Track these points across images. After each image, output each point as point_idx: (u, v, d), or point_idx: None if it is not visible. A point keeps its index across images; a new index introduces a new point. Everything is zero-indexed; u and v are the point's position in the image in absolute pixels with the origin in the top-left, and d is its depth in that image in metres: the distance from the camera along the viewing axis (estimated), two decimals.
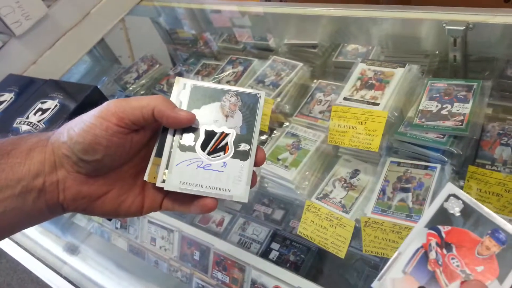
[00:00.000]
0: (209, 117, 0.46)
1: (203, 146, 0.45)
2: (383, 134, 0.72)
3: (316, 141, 0.85)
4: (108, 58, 1.46)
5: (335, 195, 0.77)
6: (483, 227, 0.40)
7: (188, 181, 0.44)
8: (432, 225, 0.41)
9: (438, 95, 0.75)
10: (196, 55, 1.29)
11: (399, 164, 0.73)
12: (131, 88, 1.22)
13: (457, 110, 0.71)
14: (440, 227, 0.41)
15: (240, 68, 1.05)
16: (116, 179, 0.44)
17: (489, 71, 0.82)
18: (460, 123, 0.69)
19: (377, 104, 0.75)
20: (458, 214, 0.41)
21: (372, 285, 0.40)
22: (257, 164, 0.45)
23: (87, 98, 0.71)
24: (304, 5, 0.96)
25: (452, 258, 0.39)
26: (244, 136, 0.46)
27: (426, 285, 0.39)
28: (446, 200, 0.42)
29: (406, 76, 0.79)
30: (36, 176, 0.41)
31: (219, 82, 1.04)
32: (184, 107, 0.46)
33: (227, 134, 0.46)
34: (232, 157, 0.45)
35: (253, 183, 0.45)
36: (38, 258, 0.94)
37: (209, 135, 0.45)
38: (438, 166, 0.70)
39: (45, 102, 0.73)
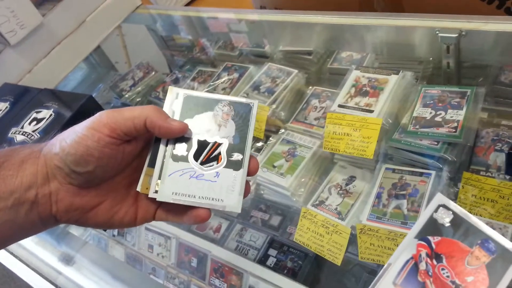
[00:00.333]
0: (202, 127, 0.46)
1: (196, 156, 0.45)
2: (378, 141, 0.73)
3: (312, 148, 0.85)
4: (104, 65, 1.46)
5: (331, 202, 0.77)
6: (473, 237, 0.40)
7: (181, 192, 0.44)
8: (422, 235, 0.41)
9: (432, 101, 0.76)
10: (192, 62, 1.29)
11: (394, 170, 0.73)
12: (127, 96, 1.22)
13: (451, 116, 0.71)
14: (430, 237, 0.41)
15: (236, 75, 1.05)
16: (109, 190, 0.44)
17: (482, 77, 0.83)
18: (454, 130, 0.69)
19: (372, 111, 0.75)
20: (448, 224, 0.41)
21: None
22: (250, 173, 0.45)
23: (82, 107, 0.72)
24: (299, 12, 0.96)
25: (442, 269, 0.39)
26: (237, 146, 0.46)
27: None
28: (436, 210, 0.42)
29: (400, 83, 0.79)
30: (29, 188, 0.40)
31: (214, 89, 1.04)
32: (177, 116, 0.46)
33: (220, 144, 0.46)
34: (225, 167, 0.45)
35: (246, 193, 0.45)
36: (33, 269, 0.93)
37: (202, 145, 0.45)
38: (433, 172, 0.70)
39: (40, 111, 0.73)
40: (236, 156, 0.45)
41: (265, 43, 1.14)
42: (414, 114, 0.75)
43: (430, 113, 0.74)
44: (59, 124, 0.69)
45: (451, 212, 0.41)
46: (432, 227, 0.41)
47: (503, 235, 0.54)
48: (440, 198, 0.42)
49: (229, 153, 0.45)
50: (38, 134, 0.70)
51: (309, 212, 0.76)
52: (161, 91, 1.21)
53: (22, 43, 0.97)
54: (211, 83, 1.07)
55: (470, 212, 0.42)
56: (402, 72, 0.80)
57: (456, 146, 0.70)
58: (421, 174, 0.71)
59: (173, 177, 0.44)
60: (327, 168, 0.85)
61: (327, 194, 0.78)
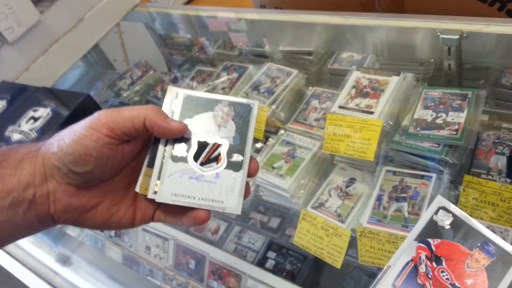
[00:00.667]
0: (201, 127, 0.45)
1: (196, 157, 0.44)
2: (378, 143, 0.72)
3: (312, 149, 0.84)
4: (102, 63, 1.45)
5: (331, 204, 0.76)
6: (473, 239, 0.40)
7: (180, 193, 0.43)
8: (422, 238, 0.41)
9: (433, 103, 0.75)
10: (191, 61, 1.28)
11: (394, 173, 0.73)
12: (125, 95, 1.21)
13: (452, 119, 0.71)
14: (430, 240, 0.41)
15: (235, 74, 1.05)
16: (107, 190, 0.43)
17: (483, 79, 0.82)
18: (455, 132, 0.69)
19: (372, 113, 0.74)
20: (447, 227, 0.41)
21: None
22: (250, 175, 0.45)
23: (80, 106, 0.71)
24: (300, 12, 0.96)
25: (442, 271, 0.39)
26: (237, 147, 0.45)
27: None
28: (436, 213, 0.41)
29: (401, 84, 0.79)
30: (27, 188, 0.40)
31: (213, 89, 1.04)
32: (177, 116, 0.45)
33: (219, 145, 0.45)
34: (225, 168, 0.44)
35: (246, 195, 0.45)
36: (29, 269, 0.92)
37: (202, 145, 0.45)
38: (434, 175, 0.69)
39: (37, 110, 0.72)
40: (236, 157, 0.45)
41: (265, 42, 1.13)
42: (415, 116, 0.75)
43: (431, 115, 0.73)
44: (57, 123, 0.69)
45: (451, 215, 0.41)
46: (432, 229, 0.41)
47: (504, 238, 0.54)
48: (440, 200, 0.42)
49: (229, 154, 0.45)
50: (35, 133, 0.69)
51: (308, 214, 0.75)
52: (160, 90, 1.20)
53: (19, 41, 0.96)
54: (210, 83, 1.06)
55: (471, 216, 0.42)
56: (403, 73, 0.79)
57: (457, 149, 0.70)
58: (422, 176, 0.70)
59: (173, 178, 0.43)
60: (327, 169, 0.84)
61: (327, 196, 0.78)
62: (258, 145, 0.93)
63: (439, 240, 0.40)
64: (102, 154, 0.40)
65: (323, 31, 0.94)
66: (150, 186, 0.43)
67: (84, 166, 0.40)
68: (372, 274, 0.79)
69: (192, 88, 1.12)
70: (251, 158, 0.45)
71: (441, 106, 0.74)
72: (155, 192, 0.43)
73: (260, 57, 1.13)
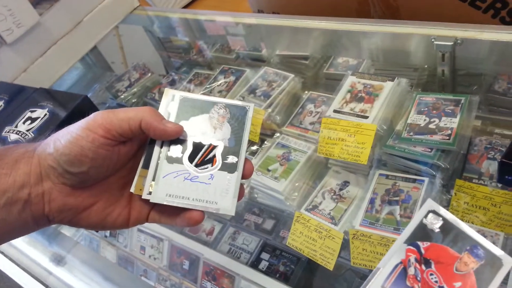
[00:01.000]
0: (197, 129, 0.46)
1: (191, 158, 0.45)
2: (372, 147, 0.73)
3: (306, 152, 0.85)
4: (100, 65, 1.46)
5: (324, 207, 0.77)
6: (462, 243, 0.40)
7: (175, 193, 0.44)
8: (412, 241, 0.41)
9: (426, 109, 0.76)
10: (189, 64, 1.29)
11: (387, 176, 0.74)
12: (122, 97, 1.22)
13: (445, 124, 0.72)
14: (419, 243, 0.41)
15: (232, 78, 1.05)
16: (103, 191, 0.44)
17: (477, 85, 0.84)
18: (447, 137, 0.70)
19: (366, 117, 0.75)
20: (437, 230, 0.41)
21: None
22: (244, 176, 0.45)
23: (77, 108, 0.71)
24: (297, 17, 0.97)
25: (431, 274, 0.39)
26: (232, 149, 0.46)
27: None
28: (426, 216, 0.42)
29: (395, 89, 0.80)
30: (22, 188, 0.40)
31: (210, 91, 1.05)
32: (173, 118, 0.46)
33: (215, 146, 0.46)
34: (220, 169, 0.45)
35: (240, 196, 0.45)
36: (23, 269, 0.92)
37: (197, 147, 0.45)
38: (426, 179, 0.70)
39: (35, 111, 0.72)
40: (231, 159, 0.45)
41: (262, 47, 1.14)
42: (409, 121, 0.76)
43: (424, 120, 0.74)
44: (54, 124, 0.69)
45: (441, 218, 0.42)
46: (422, 232, 0.41)
47: (494, 242, 0.55)
48: (430, 204, 0.43)
49: (224, 155, 0.45)
50: (32, 134, 0.69)
51: (302, 216, 0.76)
52: (157, 93, 1.21)
53: (18, 42, 0.97)
54: (207, 86, 1.07)
55: (462, 220, 0.42)
56: (397, 79, 0.81)
57: (450, 154, 0.71)
58: (414, 180, 0.71)
59: (167, 178, 0.44)
60: (321, 172, 0.85)
61: (321, 199, 0.78)
62: (254, 147, 0.94)
63: (429, 243, 0.41)
64: (98, 155, 0.41)
65: (319, 36, 0.95)
66: (145, 186, 0.44)
67: (79, 167, 0.41)
68: (364, 276, 0.80)
69: (189, 90, 1.13)
70: (246, 160, 0.46)
71: (434, 112, 0.75)
72: (150, 193, 0.43)
73: (257, 61, 1.14)
